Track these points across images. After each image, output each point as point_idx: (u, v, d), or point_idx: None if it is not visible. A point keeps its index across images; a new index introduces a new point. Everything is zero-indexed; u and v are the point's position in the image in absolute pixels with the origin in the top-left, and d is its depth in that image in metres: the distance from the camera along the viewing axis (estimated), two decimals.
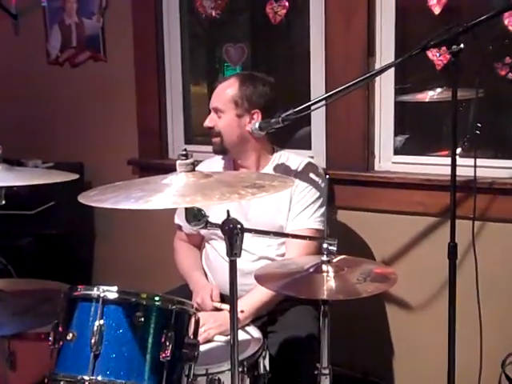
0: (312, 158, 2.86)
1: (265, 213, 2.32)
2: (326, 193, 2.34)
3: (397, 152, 2.78)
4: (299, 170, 2.36)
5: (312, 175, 2.36)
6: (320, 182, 2.35)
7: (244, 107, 2.31)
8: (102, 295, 1.65)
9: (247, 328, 2.01)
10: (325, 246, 1.81)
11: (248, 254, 2.25)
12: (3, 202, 1.84)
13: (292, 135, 3.02)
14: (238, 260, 1.63)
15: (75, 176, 1.99)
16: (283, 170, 2.36)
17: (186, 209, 1.69)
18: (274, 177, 2.09)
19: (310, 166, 2.39)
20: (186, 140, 3.25)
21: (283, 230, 2.30)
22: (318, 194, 2.32)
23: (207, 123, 2.37)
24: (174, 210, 2.57)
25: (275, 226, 2.30)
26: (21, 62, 3.52)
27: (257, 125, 2.24)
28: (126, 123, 3.30)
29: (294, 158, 2.42)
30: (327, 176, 2.12)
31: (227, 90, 2.33)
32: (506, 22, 2.50)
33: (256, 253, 2.29)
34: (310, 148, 2.93)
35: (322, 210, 2.30)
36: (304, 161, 2.40)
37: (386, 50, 2.69)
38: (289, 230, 2.29)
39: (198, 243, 2.54)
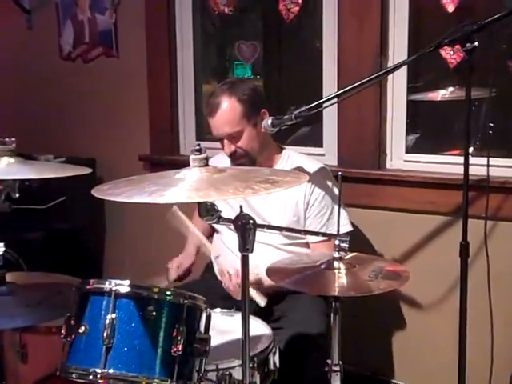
0: (323, 155, 2.86)
1: (276, 211, 2.32)
2: (338, 195, 2.32)
3: (409, 151, 2.78)
4: (314, 175, 2.33)
5: (327, 182, 2.35)
6: (334, 188, 2.34)
7: (253, 114, 2.30)
8: (114, 289, 1.66)
9: (257, 324, 2.00)
10: (336, 242, 1.81)
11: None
12: (17, 195, 1.84)
13: (292, 133, 3.02)
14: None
15: (88, 170, 2.00)
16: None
17: (199, 203, 1.69)
18: (287, 172, 2.09)
19: (324, 172, 2.39)
20: (198, 136, 3.26)
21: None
22: (333, 201, 2.32)
23: (228, 151, 2.30)
24: (186, 205, 2.58)
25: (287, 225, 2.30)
26: (34, 58, 3.53)
27: (269, 121, 2.23)
28: (137, 119, 3.31)
29: (305, 161, 2.40)
30: (340, 173, 2.11)
31: (230, 111, 2.27)
32: None
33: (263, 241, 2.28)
34: (316, 145, 2.93)
35: (337, 213, 2.29)
36: (318, 165, 2.39)
37: (399, 48, 2.69)
38: (312, 241, 2.30)
39: (210, 233, 2.59)
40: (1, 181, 1.83)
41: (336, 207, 2.29)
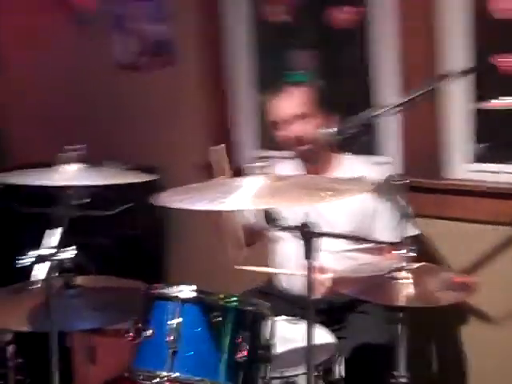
0: (389, 163, 2.83)
1: (340, 218, 2.31)
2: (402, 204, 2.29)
3: (477, 160, 2.71)
4: (379, 182, 2.31)
5: (391, 190, 2.32)
6: (398, 196, 2.31)
7: (323, 110, 2.31)
8: (180, 294, 1.68)
9: (322, 332, 1.99)
10: (403, 252, 1.79)
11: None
12: (87, 200, 1.89)
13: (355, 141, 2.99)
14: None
15: (154, 177, 2.04)
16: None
17: (266, 210, 1.70)
18: (351, 180, 2.07)
19: (388, 180, 2.35)
20: (258, 146, 3.26)
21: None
22: (398, 209, 2.28)
23: (295, 133, 2.29)
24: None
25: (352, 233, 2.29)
26: (94, 69, 3.61)
27: (335, 129, 2.22)
28: (196, 129, 3.33)
29: (367, 168, 2.38)
30: (405, 182, 2.08)
31: (307, 95, 2.31)
32: None
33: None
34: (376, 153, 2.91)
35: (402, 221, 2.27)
36: (380, 172, 2.37)
37: (459, 55, 2.64)
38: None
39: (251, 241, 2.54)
40: (71, 186, 1.88)
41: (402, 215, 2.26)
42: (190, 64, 3.31)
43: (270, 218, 1.70)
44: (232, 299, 1.71)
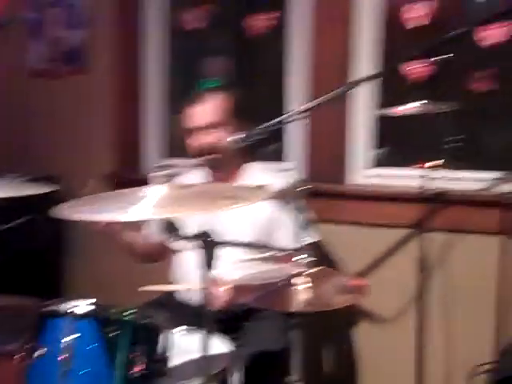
0: (288, 170, 2.87)
1: (240, 227, 2.31)
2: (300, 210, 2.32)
3: (375, 165, 2.81)
4: (277, 190, 2.33)
5: (291, 197, 2.34)
6: (298, 202, 2.33)
7: (236, 119, 2.32)
8: (71, 310, 1.64)
9: (218, 342, 1.99)
10: (297, 258, 1.81)
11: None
12: None
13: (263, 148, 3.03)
14: None
15: (54, 187, 1.98)
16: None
17: (166, 221, 1.68)
18: (249, 188, 2.08)
19: (287, 187, 2.38)
20: (163, 154, 3.25)
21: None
22: (297, 215, 2.31)
23: (203, 142, 2.31)
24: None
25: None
26: (1, 74, 3.49)
27: (240, 136, 2.22)
28: (103, 137, 3.29)
29: (267, 175, 2.40)
30: (306, 187, 2.11)
31: (219, 103, 2.31)
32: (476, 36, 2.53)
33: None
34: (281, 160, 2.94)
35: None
36: (280, 180, 2.39)
37: (365, 62, 2.72)
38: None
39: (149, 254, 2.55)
40: None
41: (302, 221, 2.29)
42: (102, 72, 3.27)
43: (169, 228, 1.68)
44: (128, 312, 1.68)
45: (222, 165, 2.36)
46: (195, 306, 2.21)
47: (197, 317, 2.07)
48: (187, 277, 2.33)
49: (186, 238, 1.70)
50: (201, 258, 1.61)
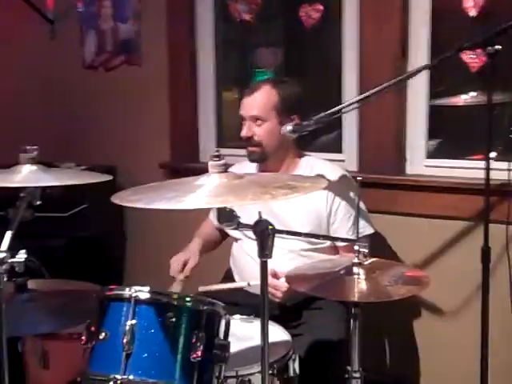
0: (343, 161, 2.85)
1: (297, 217, 2.32)
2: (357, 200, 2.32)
3: (430, 156, 2.76)
4: (335, 181, 2.33)
5: (348, 187, 2.34)
6: (355, 193, 2.33)
7: (284, 113, 2.31)
8: (133, 295, 1.67)
9: (276, 330, 2.00)
10: (356, 248, 1.80)
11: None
12: (39, 203, 1.86)
13: (316, 139, 3.02)
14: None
15: (109, 177, 2.02)
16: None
17: (218, 209, 1.70)
18: (306, 178, 2.09)
19: (344, 177, 2.38)
20: (218, 144, 3.27)
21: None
22: (354, 206, 2.30)
23: (245, 133, 2.34)
24: (204, 213, 2.60)
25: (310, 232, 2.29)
26: (56, 67, 3.57)
27: (289, 127, 2.23)
28: (158, 127, 3.33)
29: (325, 167, 2.39)
30: (358, 178, 2.11)
31: (266, 98, 2.32)
32: None
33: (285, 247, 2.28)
34: (336, 151, 2.93)
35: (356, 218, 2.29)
36: (338, 171, 2.38)
37: (419, 52, 2.68)
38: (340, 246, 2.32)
39: (219, 239, 2.61)
40: (23, 188, 1.85)
41: (355, 212, 2.28)
42: (156, 62, 3.29)
43: (222, 216, 1.69)
44: (186, 299, 1.71)
45: (268, 157, 2.36)
46: (254, 294, 2.23)
47: (255, 305, 2.12)
48: (246, 266, 2.35)
49: (240, 226, 1.71)
50: (259, 247, 1.62)
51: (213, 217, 2.55)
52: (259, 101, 2.32)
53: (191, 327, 1.66)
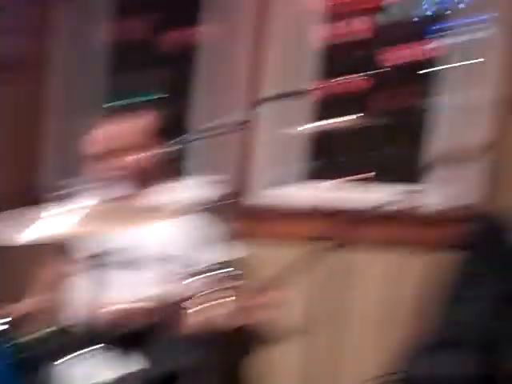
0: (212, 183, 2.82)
1: (155, 243, 2.23)
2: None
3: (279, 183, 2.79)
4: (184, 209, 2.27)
5: (199, 216, 2.29)
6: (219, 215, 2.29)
7: (150, 137, 2.22)
8: None
9: (121, 363, 1.89)
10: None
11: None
12: None
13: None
14: None
15: None
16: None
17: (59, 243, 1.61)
18: (155, 207, 2.01)
19: (196, 204, 2.33)
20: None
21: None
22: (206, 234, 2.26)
23: (123, 163, 2.17)
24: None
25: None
26: None
27: (156, 152, 2.15)
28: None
29: (189, 189, 2.34)
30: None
31: (145, 123, 2.22)
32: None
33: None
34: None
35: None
36: (189, 197, 2.33)
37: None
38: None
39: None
40: None
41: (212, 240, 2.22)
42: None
43: (63, 249, 1.60)
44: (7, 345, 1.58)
45: (130, 184, 2.27)
46: (82, 331, 2.07)
47: (86, 342, 1.99)
48: (78, 301, 2.22)
49: (79, 259, 1.62)
50: (95, 280, 1.54)
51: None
52: (137, 126, 2.21)
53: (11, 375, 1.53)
